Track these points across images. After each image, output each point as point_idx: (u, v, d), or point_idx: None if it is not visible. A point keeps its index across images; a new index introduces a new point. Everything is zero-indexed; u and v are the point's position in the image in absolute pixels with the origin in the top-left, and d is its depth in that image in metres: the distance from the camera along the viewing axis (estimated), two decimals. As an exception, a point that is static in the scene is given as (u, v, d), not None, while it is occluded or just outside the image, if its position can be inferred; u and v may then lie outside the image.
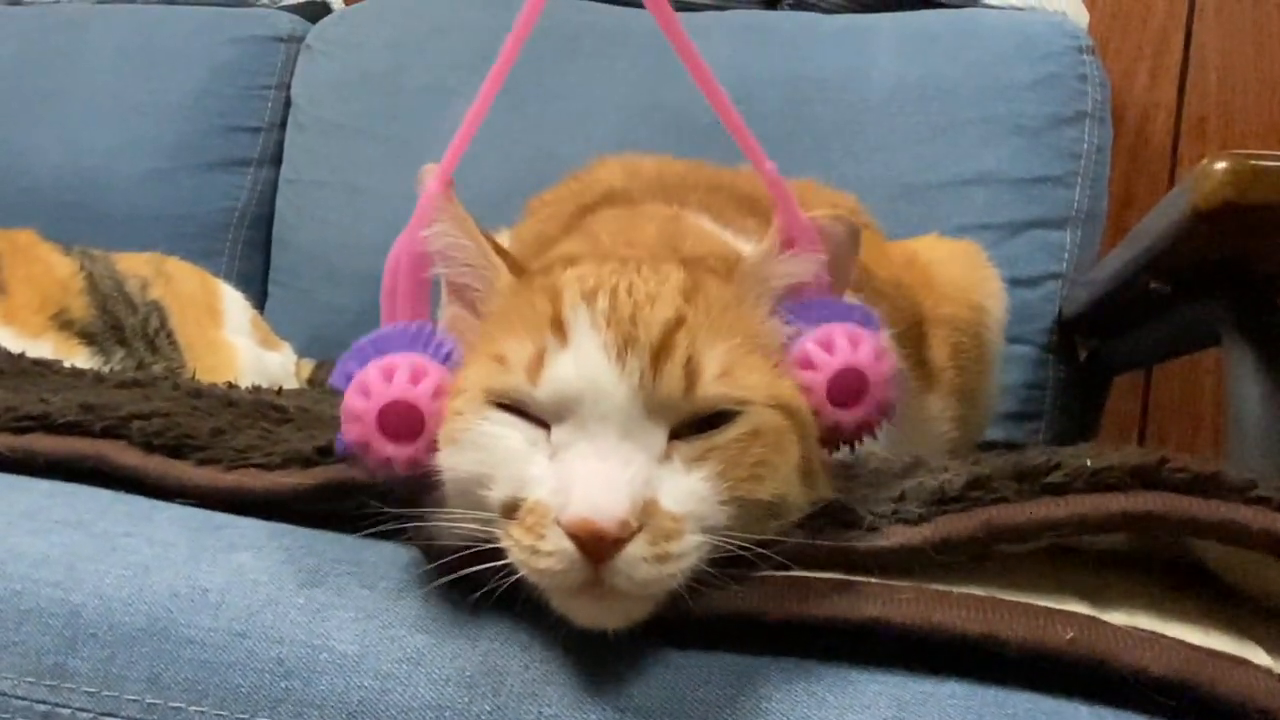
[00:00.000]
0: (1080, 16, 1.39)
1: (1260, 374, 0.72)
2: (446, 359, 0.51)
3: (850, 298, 0.61)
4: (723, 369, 0.48)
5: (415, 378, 0.50)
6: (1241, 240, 0.73)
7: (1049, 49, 1.32)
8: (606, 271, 0.50)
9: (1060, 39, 1.33)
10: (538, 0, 0.50)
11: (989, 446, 0.96)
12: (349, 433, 0.50)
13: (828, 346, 0.51)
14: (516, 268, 0.54)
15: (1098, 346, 1.26)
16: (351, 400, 0.50)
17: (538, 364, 0.47)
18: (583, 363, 0.47)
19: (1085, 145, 1.30)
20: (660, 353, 0.47)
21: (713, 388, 0.47)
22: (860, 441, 0.52)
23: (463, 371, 0.51)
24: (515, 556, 0.46)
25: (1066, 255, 1.28)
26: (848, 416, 0.51)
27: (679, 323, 0.48)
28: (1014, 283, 1.08)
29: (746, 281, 0.52)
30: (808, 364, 0.51)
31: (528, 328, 0.49)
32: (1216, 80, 1.49)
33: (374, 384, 0.49)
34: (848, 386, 0.50)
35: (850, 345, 0.51)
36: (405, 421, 0.49)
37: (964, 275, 0.95)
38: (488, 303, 0.53)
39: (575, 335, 0.48)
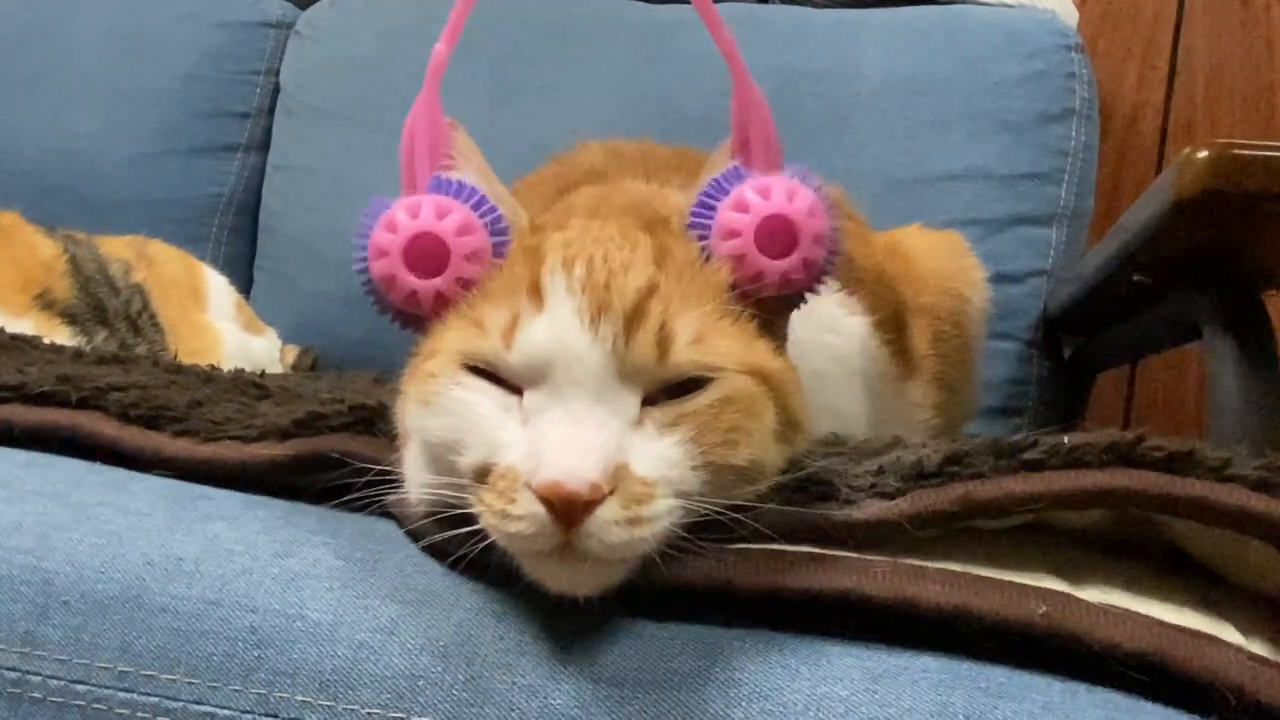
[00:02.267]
0: (1070, 16, 1.40)
1: (1241, 366, 0.73)
2: (469, 199, 0.51)
3: (830, 285, 0.61)
4: (695, 335, 0.48)
5: (440, 213, 0.50)
6: (1223, 230, 0.73)
7: (1038, 46, 1.32)
8: (587, 239, 0.50)
9: (1049, 36, 1.33)
10: None
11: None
12: (375, 268, 0.50)
13: (763, 193, 0.50)
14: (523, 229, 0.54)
15: (1081, 342, 1.27)
16: (378, 235, 0.50)
17: (512, 329, 0.48)
18: (556, 327, 0.47)
19: (1072, 143, 1.31)
20: (633, 319, 0.47)
21: (685, 354, 0.47)
22: (783, 296, 0.52)
23: (440, 333, 0.51)
24: (487, 521, 0.46)
25: (1052, 252, 1.28)
26: (773, 266, 0.50)
27: (651, 290, 0.48)
28: (999, 278, 1.09)
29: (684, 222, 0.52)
30: (741, 207, 0.51)
31: (506, 294, 0.49)
32: (1204, 82, 1.49)
33: (400, 219, 0.50)
34: (776, 235, 0.50)
35: (785, 196, 0.50)
36: (431, 255, 0.50)
37: (946, 265, 0.95)
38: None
39: (551, 300, 0.48)
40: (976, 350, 0.96)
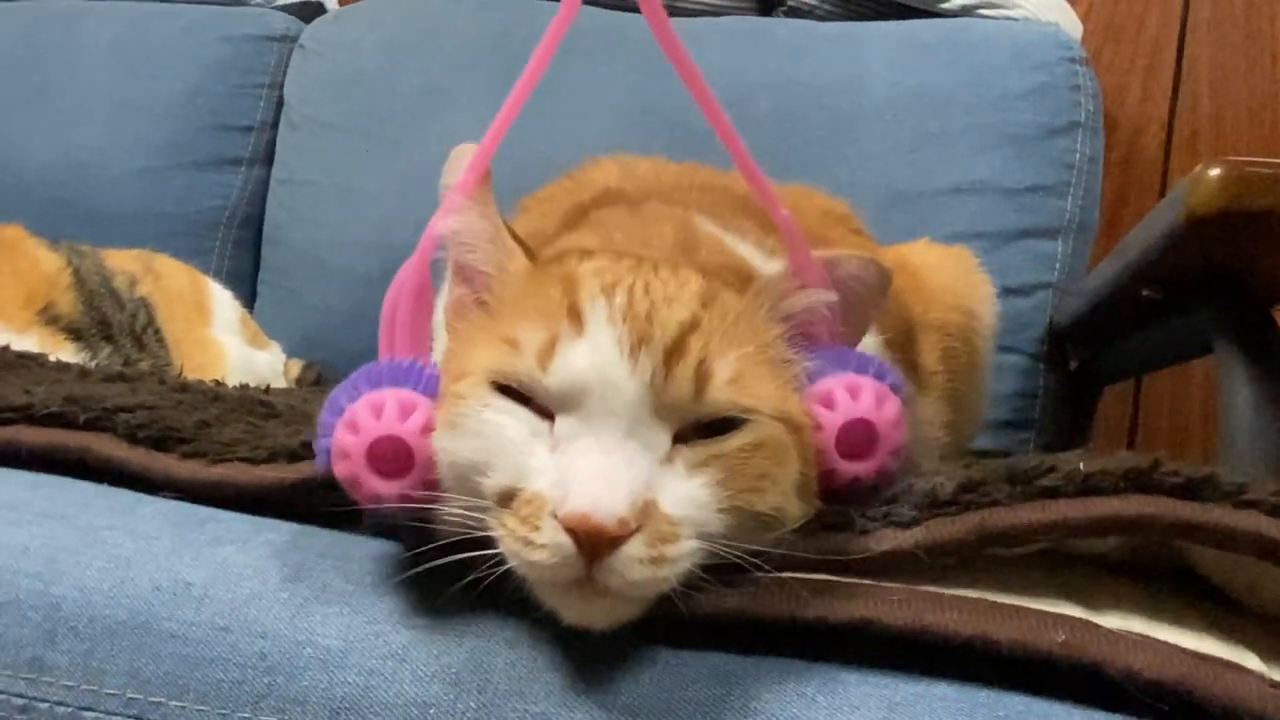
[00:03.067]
0: (1074, 29, 1.40)
1: (1252, 382, 0.72)
2: (436, 394, 0.50)
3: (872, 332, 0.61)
4: (733, 375, 0.47)
5: (404, 413, 0.49)
6: (1234, 247, 0.73)
7: (1042, 59, 1.32)
8: (624, 268, 0.50)
9: (1053, 49, 1.33)
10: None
11: (980, 455, 0.96)
12: (338, 469, 0.49)
13: (854, 393, 0.50)
14: (531, 254, 0.53)
15: (1088, 356, 1.26)
16: (341, 436, 0.49)
17: (550, 350, 0.47)
18: (596, 354, 0.46)
19: (1078, 155, 1.30)
20: (673, 353, 0.47)
21: (722, 393, 0.47)
22: (879, 490, 0.51)
23: (467, 354, 0.50)
24: (507, 547, 0.45)
25: (1058, 265, 1.28)
26: (848, 468, 0.50)
27: (694, 325, 0.48)
28: (1006, 291, 1.08)
29: (760, 298, 0.51)
30: (828, 403, 0.50)
31: (542, 314, 0.48)
32: (1208, 95, 1.49)
33: (363, 420, 0.49)
34: (858, 439, 0.50)
35: (875, 401, 0.50)
36: (394, 457, 0.48)
37: (955, 280, 0.95)
38: (498, 287, 0.52)
39: (591, 326, 0.47)
40: (985, 366, 0.96)
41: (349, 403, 0.49)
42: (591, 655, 0.46)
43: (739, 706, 0.45)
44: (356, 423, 0.48)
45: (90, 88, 1.54)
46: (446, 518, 0.48)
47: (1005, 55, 1.33)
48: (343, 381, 0.51)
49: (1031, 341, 1.27)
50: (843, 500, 0.51)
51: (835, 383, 0.51)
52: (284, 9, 1.64)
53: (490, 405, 0.48)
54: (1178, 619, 0.48)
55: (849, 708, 0.44)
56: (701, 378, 0.47)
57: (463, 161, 0.53)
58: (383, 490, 0.48)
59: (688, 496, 0.46)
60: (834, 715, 0.44)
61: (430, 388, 0.50)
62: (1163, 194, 1.50)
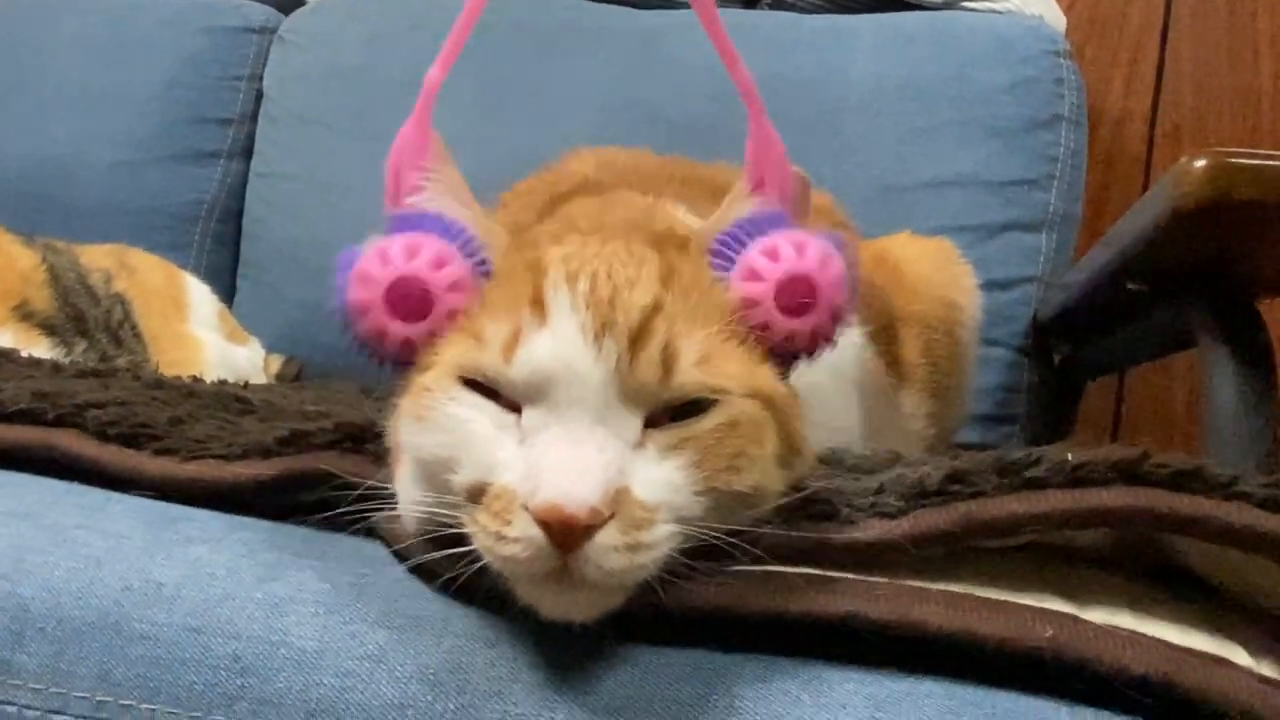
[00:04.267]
0: (1057, 22, 1.40)
1: (1236, 375, 0.72)
2: (470, 255, 0.50)
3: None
4: (700, 356, 0.46)
5: (438, 263, 0.48)
6: (1219, 239, 0.73)
7: (1026, 52, 1.32)
8: (589, 254, 0.49)
9: (1037, 42, 1.33)
10: None
11: (964, 448, 0.96)
12: (354, 293, 0.49)
13: (772, 255, 0.49)
14: (504, 244, 0.52)
15: (1072, 350, 1.26)
16: (368, 263, 0.48)
17: (513, 342, 0.46)
18: (560, 342, 0.45)
19: (1061, 149, 1.30)
20: (638, 337, 0.46)
21: (690, 375, 0.46)
22: (812, 351, 0.51)
23: (436, 346, 0.49)
24: (480, 543, 0.44)
25: (1042, 258, 1.28)
26: (801, 325, 0.49)
27: (657, 308, 0.47)
28: (990, 285, 1.08)
29: (700, 243, 0.51)
30: (753, 275, 0.50)
31: (505, 306, 0.48)
32: (1191, 89, 1.49)
33: (395, 255, 0.48)
34: (797, 294, 0.49)
35: (795, 252, 0.49)
36: (414, 302, 0.48)
37: (936, 273, 0.94)
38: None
39: (554, 315, 0.46)
40: (969, 359, 0.96)
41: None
42: (572, 654, 0.46)
43: (722, 705, 0.44)
44: (388, 256, 0.48)
45: (66, 80, 1.52)
46: (418, 515, 0.47)
47: (989, 48, 1.33)
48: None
49: (1016, 335, 1.26)
50: (776, 357, 0.50)
51: (782, 238, 0.50)
52: (263, 1, 1.62)
53: (456, 399, 0.47)
54: (1164, 613, 0.47)
55: (835, 706, 0.44)
56: (668, 360, 0.46)
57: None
58: (392, 329, 0.48)
59: (662, 480, 0.45)
60: (819, 713, 0.43)
61: (465, 245, 0.50)
62: (1145, 188, 1.50)
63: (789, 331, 0.49)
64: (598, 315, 0.46)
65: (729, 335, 0.48)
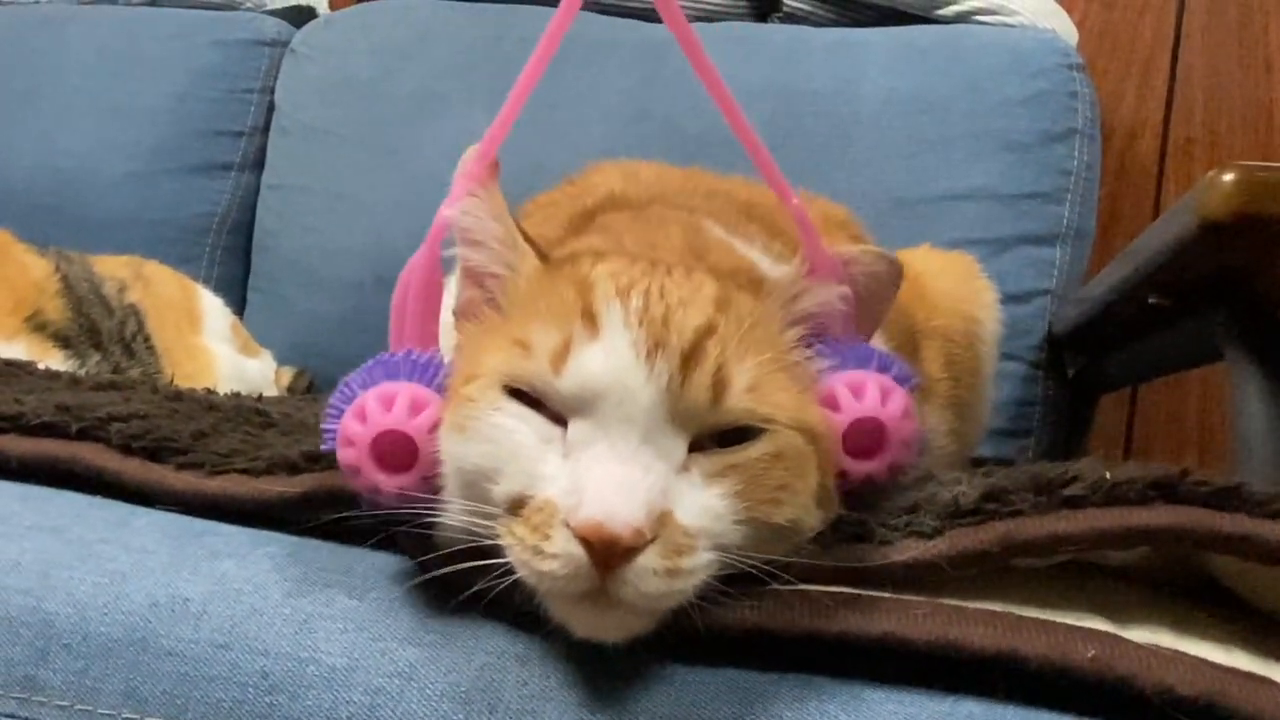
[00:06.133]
0: (1070, 35, 1.39)
1: (1265, 389, 0.71)
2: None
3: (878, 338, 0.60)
4: (751, 384, 0.46)
5: (415, 409, 0.48)
6: (1247, 252, 0.72)
7: (1040, 66, 1.32)
8: (639, 270, 0.49)
9: (1051, 56, 1.33)
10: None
11: (980, 463, 0.95)
12: (342, 456, 0.48)
13: (857, 392, 0.49)
14: (543, 255, 0.52)
15: (1088, 363, 1.26)
16: (348, 424, 0.48)
17: (564, 353, 0.46)
18: (611, 357, 0.45)
19: (1075, 162, 1.30)
20: (690, 358, 0.45)
21: (740, 401, 0.46)
22: (896, 484, 0.51)
23: (477, 355, 0.49)
24: (516, 556, 0.44)
25: (1056, 271, 1.27)
26: (858, 467, 0.50)
27: (710, 331, 0.46)
28: (1004, 298, 1.08)
29: (773, 301, 0.50)
30: (832, 405, 0.50)
31: (555, 316, 0.47)
32: (1203, 102, 1.49)
33: (372, 410, 0.48)
34: (866, 437, 0.49)
35: (880, 397, 0.49)
36: (399, 452, 0.48)
37: (957, 287, 0.94)
38: (509, 289, 0.51)
39: (606, 329, 0.46)
40: (989, 373, 0.95)
41: (361, 389, 0.49)
42: (606, 672, 0.45)
43: (759, 725, 0.43)
44: (365, 413, 0.48)
45: (79, 92, 1.52)
46: (451, 525, 0.46)
47: (1002, 62, 1.33)
48: (359, 368, 0.51)
49: (1030, 349, 1.26)
50: (859, 498, 0.50)
51: (838, 382, 0.50)
52: (275, 14, 1.62)
53: (501, 409, 0.46)
54: (1205, 632, 0.46)
55: (873, 726, 0.43)
56: (719, 385, 0.45)
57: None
58: (384, 483, 0.48)
59: (704, 507, 0.44)
60: (857, 734, 0.43)
61: (440, 382, 0.50)
62: (1157, 201, 1.50)
63: (865, 474, 0.50)
64: (650, 333, 0.45)
65: (779, 366, 0.48)
